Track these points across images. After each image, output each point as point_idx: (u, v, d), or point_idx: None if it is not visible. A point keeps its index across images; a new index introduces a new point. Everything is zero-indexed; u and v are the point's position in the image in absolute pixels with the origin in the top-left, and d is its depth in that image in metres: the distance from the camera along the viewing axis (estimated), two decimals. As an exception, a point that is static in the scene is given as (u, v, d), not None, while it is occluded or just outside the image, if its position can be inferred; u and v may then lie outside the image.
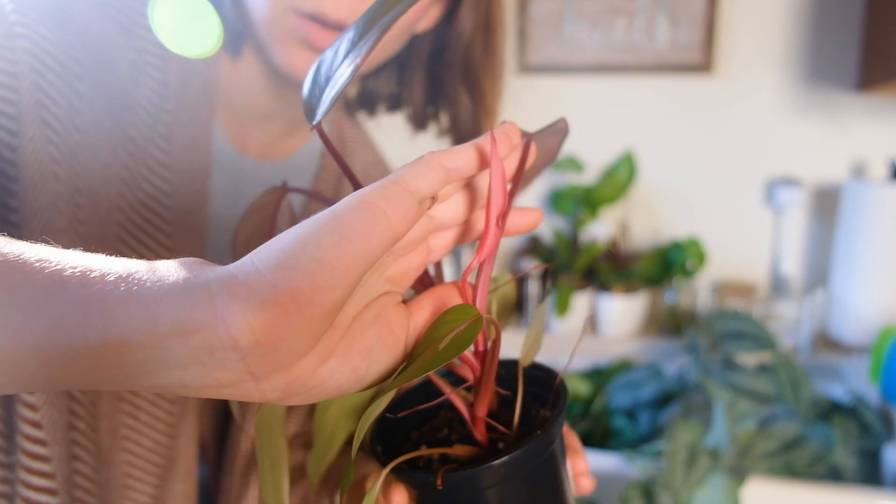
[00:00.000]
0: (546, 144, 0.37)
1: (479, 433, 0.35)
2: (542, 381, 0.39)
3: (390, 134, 0.73)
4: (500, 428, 0.35)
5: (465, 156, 0.30)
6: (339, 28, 0.49)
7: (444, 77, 0.62)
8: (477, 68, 0.61)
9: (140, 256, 0.51)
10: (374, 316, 0.30)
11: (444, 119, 0.65)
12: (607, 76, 1.64)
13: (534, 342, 0.38)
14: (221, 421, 0.63)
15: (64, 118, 0.47)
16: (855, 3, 1.48)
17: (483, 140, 0.31)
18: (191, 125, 0.54)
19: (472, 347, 0.33)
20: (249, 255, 0.24)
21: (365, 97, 0.67)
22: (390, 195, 0.26)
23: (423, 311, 0.32)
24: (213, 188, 0.57)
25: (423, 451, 0.34)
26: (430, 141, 0.65)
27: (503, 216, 0.30)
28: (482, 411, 0.34)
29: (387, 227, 0.25)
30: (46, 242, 0.25)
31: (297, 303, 0.22)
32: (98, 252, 0.42)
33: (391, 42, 0.54)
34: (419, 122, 0.66)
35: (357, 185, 0.33)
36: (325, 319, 0.24)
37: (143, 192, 0.52)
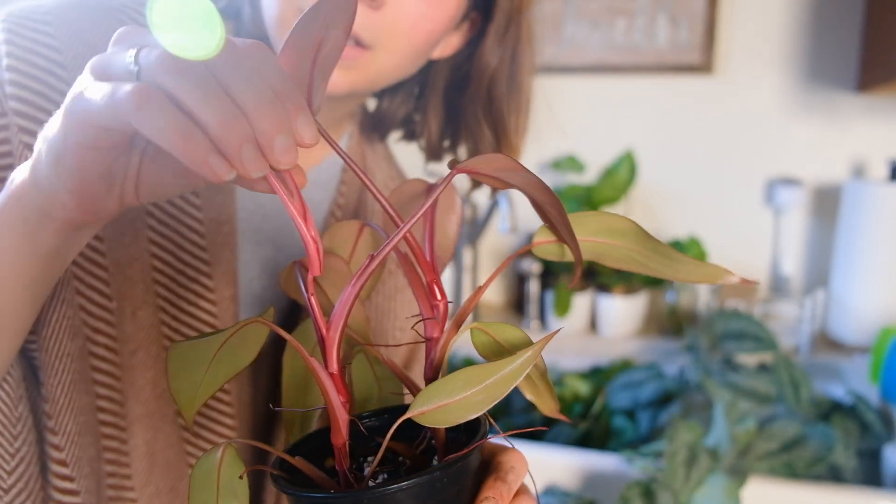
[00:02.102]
0: None
1: (338, 463, 0.34)
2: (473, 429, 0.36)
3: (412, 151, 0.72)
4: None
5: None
6: (359, 44, 0.48)
7: (465, 109, 0.61)
8: (501, 102, 0.59)
9: (179, 272, 0.52)
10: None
11: (463, 152, 0.64)
12: (607, 76, 1.63)
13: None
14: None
15: None
16: (855, 3, 1.48)
17: None
18: None
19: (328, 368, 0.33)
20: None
21: (378, 119, 0.65)
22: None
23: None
24: (238, 199, 0.56)
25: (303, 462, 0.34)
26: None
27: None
28: (336, 440, 0.33)
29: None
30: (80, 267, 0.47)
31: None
32: (132, 271, 0.51)
33: (406, 62, 0.53)
34: (434, 153, 0.64)
35: (376, 196, 0.34)
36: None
37: (175, 206, 0.52)
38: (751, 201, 1.60)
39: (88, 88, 0.31)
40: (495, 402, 0.31)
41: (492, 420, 0.34)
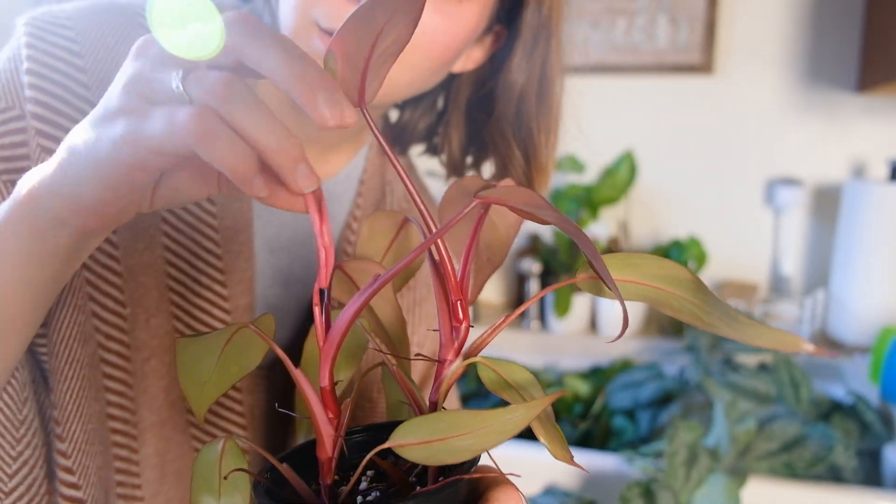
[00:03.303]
0: None
1: (322, 477, 0.33)
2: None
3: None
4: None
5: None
6: None
7: (493, 128, 0.58)
8: (531, 121, 0.57)
9: (194, 280, 0.52)
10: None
11: (490, 171, 0.61)
12: (607, 76, 1.64)
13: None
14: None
15: None
16: (855, 3, 1.48)
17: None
18: None
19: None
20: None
21: (399, 131, 0.63)
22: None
23: None
24: (255, 208, 0.56)
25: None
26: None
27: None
28: (321, 454, 0.33)
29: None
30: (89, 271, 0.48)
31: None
32: (146, 278, 0.52)
33: (422, 77, 0.51)
34: (455, 170, 0.62)
35: (408, 188, 0.33)
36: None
37: (190, 214, 0.51)
38: (751, 201, 1.60)
39: (138, 111, 0.31)
40: (483, 452, 0.29)
41: (490, 454, 0.32)
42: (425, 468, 0.35)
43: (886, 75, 1.29)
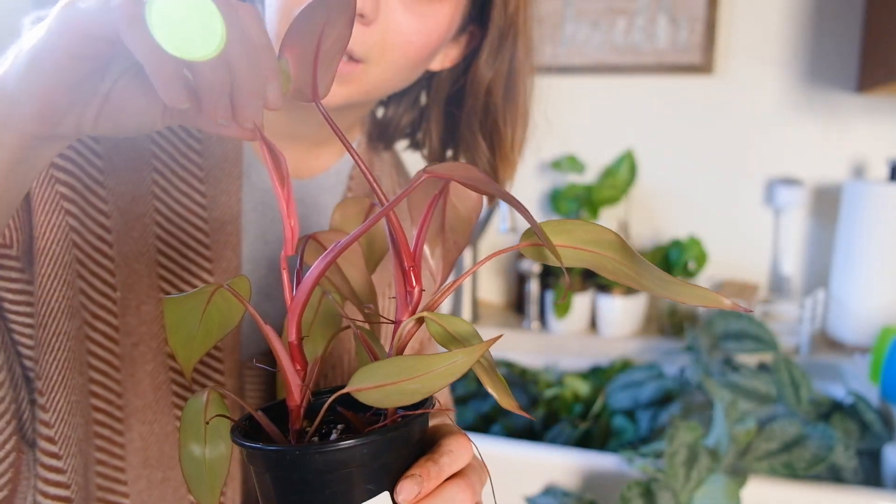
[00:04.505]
0: None
1: (290, 423, 0.37)
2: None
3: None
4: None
5: None
6: (352, 59, 0.49)
7: (462, 121, 0.61)
8: (497, 115, 0.60)
9: (183, 268, 0.54)
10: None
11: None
12: (607, 76, 1.64)
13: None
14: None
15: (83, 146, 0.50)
16: (855, 3, 1.48)
17: None
18: (221, 140, 0.55)
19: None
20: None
21: (383, 127, 0.66)
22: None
23: None
24: (244, 202, 0.58)
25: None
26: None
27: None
28: (290, 402, 0.37)
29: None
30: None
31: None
32: (138, 265, 0.52)
33: (400, 75, 0.53)
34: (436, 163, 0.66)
35: (381, 200, 0.37)
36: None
37: (181, 206, 0.53)
38: (751, 201, 1.60)
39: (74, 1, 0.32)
40: (431, 393, 0.33)
41: (436, 397, 0.36)
42: (384, 419, 0.39)
43: (886, 75, 1.29)
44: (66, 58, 0.32)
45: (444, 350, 0.34)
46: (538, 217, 0.38)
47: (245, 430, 0.37)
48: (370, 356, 0.40)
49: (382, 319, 0.41)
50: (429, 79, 0.63)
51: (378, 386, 0.33)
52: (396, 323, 0.38)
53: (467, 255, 1.61)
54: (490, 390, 0.35)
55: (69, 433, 0.49)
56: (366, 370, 0.34)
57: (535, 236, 0.36)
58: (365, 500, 0.35)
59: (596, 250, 0.36)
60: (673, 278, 0.34)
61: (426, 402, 0.38)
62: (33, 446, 0.48)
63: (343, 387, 0.37)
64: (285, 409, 0.38)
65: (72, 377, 0.49)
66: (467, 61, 0.60)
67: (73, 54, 0.32)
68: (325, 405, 0.36)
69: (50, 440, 0.47)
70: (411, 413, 0.36)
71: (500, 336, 0.36)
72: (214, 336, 0.37)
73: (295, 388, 0.36)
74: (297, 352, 0.36)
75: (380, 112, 0.67)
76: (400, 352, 0.37)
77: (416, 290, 0.37)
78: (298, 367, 0.36)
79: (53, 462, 0.48)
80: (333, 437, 0.37)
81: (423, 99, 0.65)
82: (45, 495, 0.48)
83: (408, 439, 0.37)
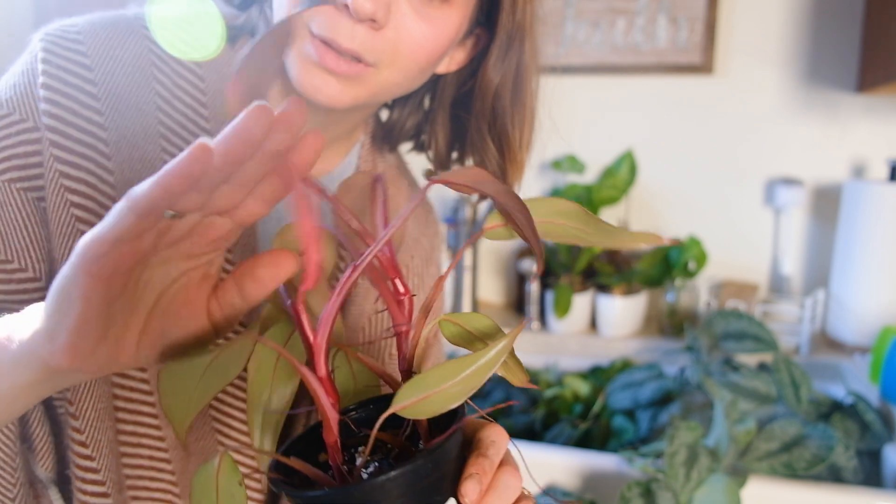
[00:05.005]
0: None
1: (331, 458, 0.36)
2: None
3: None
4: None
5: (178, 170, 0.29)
6: (351, 57, 0.49)
7: (470, 125, 0.62)
8: (505, 118, 0.60)
9: None
10: (169, 299, 0.35)
11: (470, 165, 0.65)
12: (607, 76, 1.64)
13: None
14: None
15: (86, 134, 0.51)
16: (855, 3, 1.48)
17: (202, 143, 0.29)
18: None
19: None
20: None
21: (388, 129, 0.67)
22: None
23: (226, 285, 0.37)
24: None
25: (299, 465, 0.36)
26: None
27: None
28: (329, 438, 0.35)
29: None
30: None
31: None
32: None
33: (409, 78, 0.54)
34: (442, 165, 0.66)
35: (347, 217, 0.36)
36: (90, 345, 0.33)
37: None
38: (751, 201, 1.60)
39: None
40: (473, 392, 0.33)
41: (470, 401, 0.36)
42: (415, 436, 0.38)
43: (886, 75, 1.29)
44: (93, 280, 0.31)
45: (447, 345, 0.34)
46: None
47: (281, 478, 0.36)
48: (385, 378, 0.39)
49: (388, 334, 0.40)
50: (434, 81, 0.63)
51: (423, 398, 0.33)
52: (398, 335, 0.37)
53: (468, 256, 1.61)
54: (500, 372, 0.35)
55: (100, 437, 0.51)
56: (409, 386, 0.34)
57: (498, 217, 0.38)
58: None
59: (552, 220, 0.38)
60: (616, 228, 0.37)
61: (459, 407, 0.37)
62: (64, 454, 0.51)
63: (369, 403, 0.37)
64: (305, 443, 0.38)
65: (97, 387, 0.51)
66: (473, 64, 0.61)
67: (97, 276, 0.31)
68: (373, 433, 0.35)
69: (82, 444, 0.50)
70: (452, 425, 0.36)
71: (531, 320, 0.37)
72: (213, 390, 0.36)
73: (334, 424, 0.35)
74: (329, 386, 0.35)
75: (384, 114, 0.68)
76: (412, 357, 0.37)
77: (407, 297, 0.37)
78: (332, 402, 0.35)
79: (87, 463, 0.51)
80: (358, 461, 0.37)
81: (428, 102, 0.65)
82: (84, 492, 0.51)
83: (455, 448, 0.37)
